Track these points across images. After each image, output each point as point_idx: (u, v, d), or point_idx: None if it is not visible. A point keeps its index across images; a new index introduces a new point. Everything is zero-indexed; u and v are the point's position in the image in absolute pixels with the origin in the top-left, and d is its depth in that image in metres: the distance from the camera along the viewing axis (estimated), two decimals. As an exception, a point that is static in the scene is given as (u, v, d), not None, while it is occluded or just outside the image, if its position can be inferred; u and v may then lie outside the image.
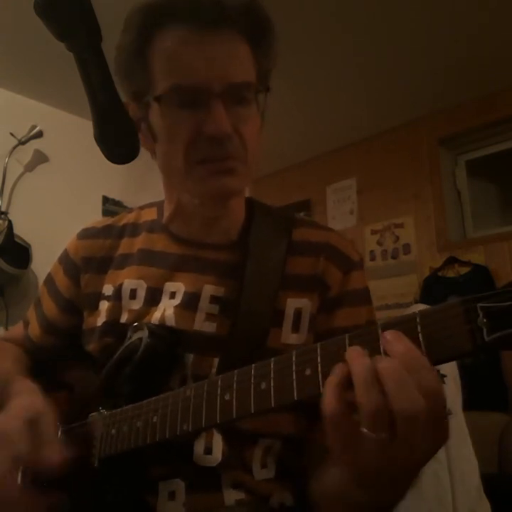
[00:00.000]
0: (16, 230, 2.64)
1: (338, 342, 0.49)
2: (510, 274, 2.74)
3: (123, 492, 0.70)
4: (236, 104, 0.72)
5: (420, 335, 0.43)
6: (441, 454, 1.88)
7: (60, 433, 0.76)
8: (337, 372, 0.47)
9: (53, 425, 0.69)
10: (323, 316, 0.79)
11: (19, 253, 2.63)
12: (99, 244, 0.88)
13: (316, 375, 0.49)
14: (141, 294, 0.81)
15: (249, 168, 0.76)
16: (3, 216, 2.66)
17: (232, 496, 0.72)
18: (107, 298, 0.83)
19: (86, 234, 0.90)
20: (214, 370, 0.74)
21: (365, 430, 0.45)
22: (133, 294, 0.81)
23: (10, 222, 2.62)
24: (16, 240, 2.63)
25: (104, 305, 0.83)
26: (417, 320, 0.44)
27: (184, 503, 0.71)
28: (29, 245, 2.69)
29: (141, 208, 0.92)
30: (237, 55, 0.72)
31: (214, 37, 0.70)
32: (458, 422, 1.92)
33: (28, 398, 0.72)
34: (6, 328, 2.59)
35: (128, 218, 0.90)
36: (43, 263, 2.73)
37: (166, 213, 0.86)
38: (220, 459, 0.72)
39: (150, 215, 0.89)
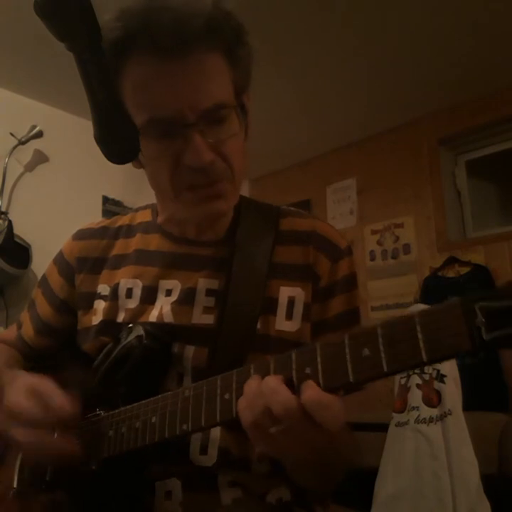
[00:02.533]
0: (16, 230, 2.64)
1: (337, 343, 0.50)
2: (510, 274, 2.73)
3: (121, 493, 0.70)
4: (213, 125, 0.70)
5: (419, 334, 0.44)
6: (441, 453, 1.88)
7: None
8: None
9: (53, 385, 0.69)
10: (317, 307, 0.81)
11: (19, 253, 2.63)
12: (94, 244, 0.88)
13: (317, 374, 0.50)
14: (137, 292, 0.81)
15: (237, 185, 0.77)
16: (3, 216, 2.66)
17: (228, 495, 0.72)
18: (103, 297, 0.84)
19: (81, 235, 0.91)
20: (206, 359, 0.74)
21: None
22: (129, 293, 0.82)
23: (10, 222, 2.62)
24: (16, 239, 2.63)
25: (99, 304, 0.84)
26: (416, 319, 0.44)
27: (181, 502, 0.71)
28: (29, 245, 2.68)
29: (136, 210, 0.94)
30: (206, 76, 0.69)
31: (180, 62, 0.67)
32: (458, 422, 1.92)
33: (22, 379, 0.72)
34: (6, 328, 2.58)
35: (123, 220, 0.92)
36: (43, 263, 2.72)
37: (160, 216, 0.87)
38: (215, 459, 0.72)
39: (144, 216, 0.90)
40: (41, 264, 2.65)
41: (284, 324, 0.78)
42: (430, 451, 1.90)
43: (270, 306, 0.78)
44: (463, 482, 1.82)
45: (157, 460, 0.71)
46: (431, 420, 1.94)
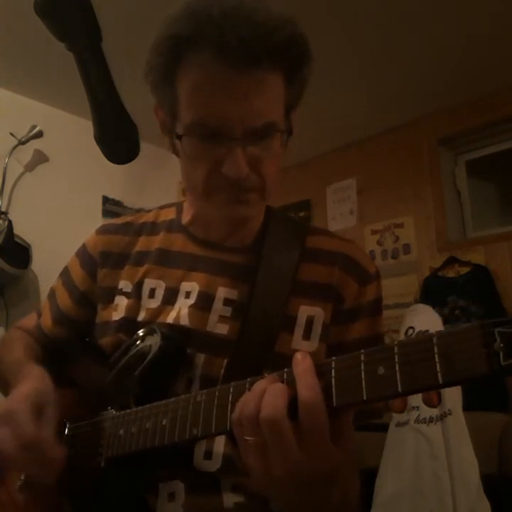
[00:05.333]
0: (16, 230, 2.63)
1: (352, 358, 0.50)
2: (510, 274, 2.73)
3: (126, 492, 0.71)
4: (257, 141, 0.71)
5: (436, 356, 0.44)
6: (441, 453, 1.88)
7: (66, 431, 0.77)
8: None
9: (55, 420, 0.69)
10: (337, 328, 0.80)
11: (19, 253, 2.63)
12: (118, 240, 0.89)
13: (330, 388, 0.50)
14: (160, 293, 0.82)
15: (266, 196, 0.77)
16: (3, 216, 2.66)
17: (231, 499, 0.72)
18: (126, 294, 0.84)
19: (105, 229, 0.92)
20: (223, 371, 0.74)
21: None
22: (152, 293, 0.82)
23: (10, 222, 2.61)
24: (16, 239, 2.63)
25: (121, 300, 0.84)
26: (434, 341, 0.44)
27: (183, 504, 0.71)
28: (29, 245, 2.68)
29: (161, 207, 0.94)
30: (264, 95, 0.69)
31: (244, 75, 0.66)
32: (458, 422, 1.92)
33: (37, 383, 0.73)
34: (6, 328, 2.58)
35: (147, 217, 0.92)
36: (43, 263, 2.73)
37: (187, 215, 0.87)
38: (219, 465, 0.73)
39: (169, 214, 0.91)
40: (41, 264, 2.66)
41: (301, 344, 0.77)
42: (430, 451, 1.90)
43: (288, 324, 0.77)
44: (463, 482, 1.82)
45: (162, 462, 0.71)
46: (431, 420, 1.94)
